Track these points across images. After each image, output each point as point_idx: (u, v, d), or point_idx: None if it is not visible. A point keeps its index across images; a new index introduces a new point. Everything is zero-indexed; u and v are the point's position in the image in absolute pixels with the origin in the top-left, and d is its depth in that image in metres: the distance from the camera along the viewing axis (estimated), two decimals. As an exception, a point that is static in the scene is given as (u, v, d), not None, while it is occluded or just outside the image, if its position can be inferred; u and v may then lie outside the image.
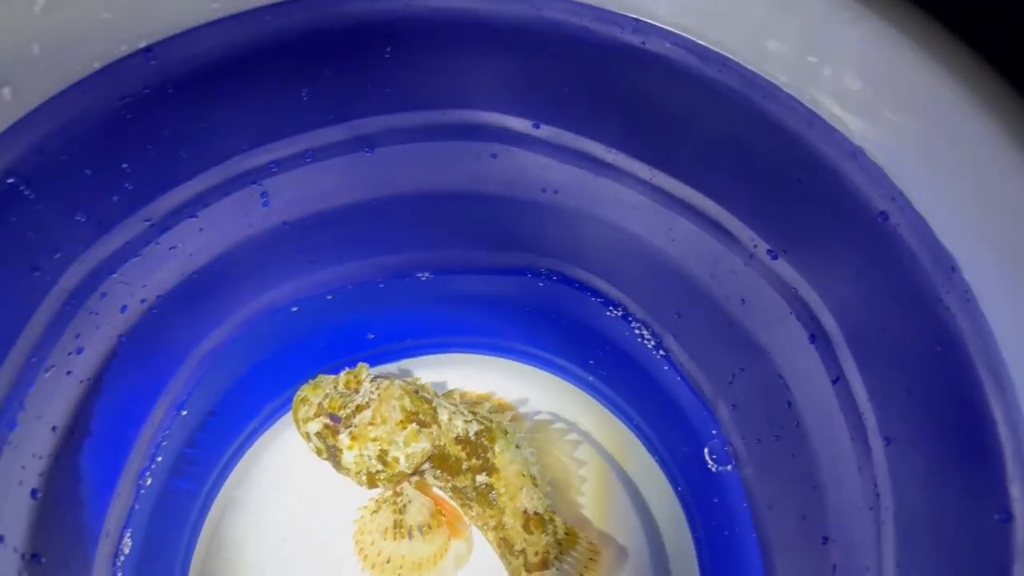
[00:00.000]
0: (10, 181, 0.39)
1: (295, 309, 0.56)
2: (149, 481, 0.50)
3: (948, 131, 0.36)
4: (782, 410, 0.47)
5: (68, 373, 0.45)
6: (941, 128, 0.36)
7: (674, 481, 0.56)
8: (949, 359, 0.36)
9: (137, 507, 0.49)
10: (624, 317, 0.56)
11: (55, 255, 0.43)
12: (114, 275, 0.46)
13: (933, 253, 0.37)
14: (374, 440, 0.53)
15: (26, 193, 0.40)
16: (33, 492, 0.43)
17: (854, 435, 0.41)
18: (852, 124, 0.38)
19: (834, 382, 0.43)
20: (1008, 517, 0.31)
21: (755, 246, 0.46)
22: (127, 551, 0.48)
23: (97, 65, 0.40)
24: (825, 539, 0.43)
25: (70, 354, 0.45)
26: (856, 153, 0.39)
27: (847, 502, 0.41)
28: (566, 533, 0.53)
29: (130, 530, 0.49)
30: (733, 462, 0.51)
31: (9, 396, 0.41)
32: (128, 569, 0.48)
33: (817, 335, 0.44)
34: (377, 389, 0.55)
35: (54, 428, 0.44)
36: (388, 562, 0.54)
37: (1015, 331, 0.34)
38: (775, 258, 0.45)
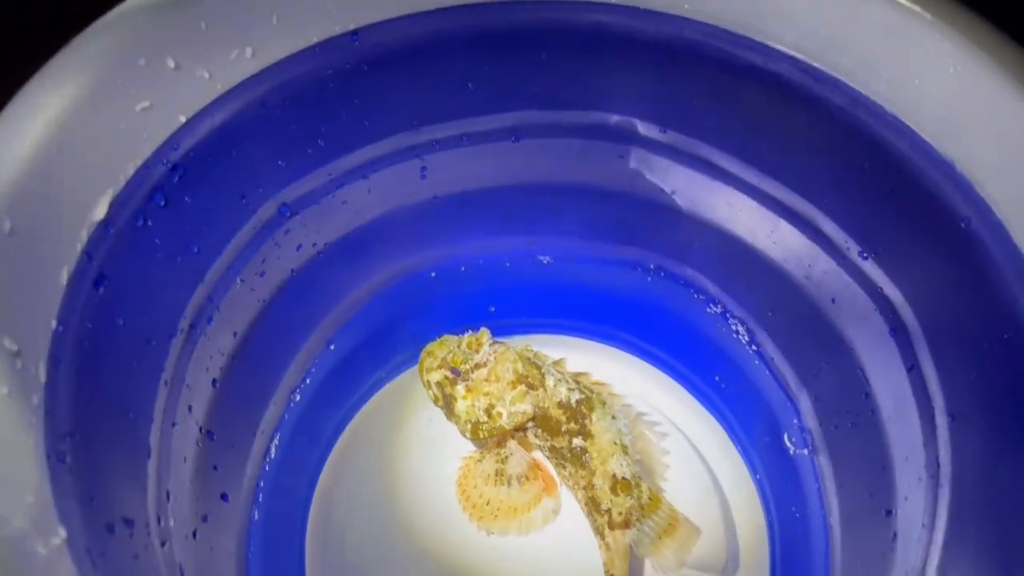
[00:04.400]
0: (236, 125, 0.49)
1: (433, 275, 0.64)
2: (298, 397, 0.59)
3: (1029, 147, 0.41)
4: (860, 399, 0.52)
5: (251, 290, 0.54)
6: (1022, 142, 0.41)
7: (752, 467, 0.61)
8: (1015, 344, 0.41)
9: (286, 417, 0.58)
10: (722, 314, 0.62)
11: (258, 189, 0.52)
12: (296, 216, 0.55)
13: (1009, 255, 0.42)
14: (485, 394, 0.60)
15: (246, 136, 0.50)
16: (213, 381, 0.52)
17: (922, 415, 0.46)
18: (944, 139, 0.44)
19: (909, 370, 0.48)
20: (1051, 473, 0.36)
21: (847, 248, 0.51)
22: (273, 453, 0.57)
23: (315, 40, 0.50)
24: (888, 512, 0.47)
25: (255, 275, 0.54)
26: (945, 165, 0.44)
27: (911, 476, 0.46)
28: (650, 499, 0.58)
29: (279, 434, 0.57)
30: (810, 447, 0.56)
31: (211, 297, 0.50)
32: (273, 467, 0.56)
33: (897, 328, 0.49)
34: (494, 352, 0.62)
35: (235, 334, 0.53)
36: (487, 504, 0.60)
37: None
38: (865, 259, 0.51)
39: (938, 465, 0.43)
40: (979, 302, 0.43)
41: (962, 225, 0.44)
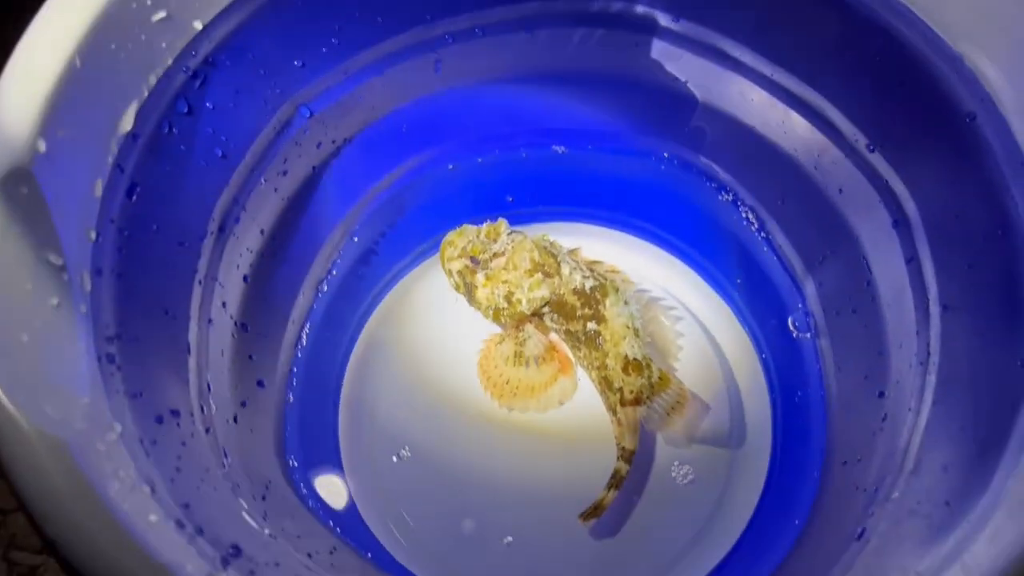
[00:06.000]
0: (251, 28, 0.50)
1: (451, 167, 0.66)
2: (325, 288, 0.62)
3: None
4: (861, 287, 0.54)
5: (275, 189, 0.56)
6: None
7: (759, 349, 0.64)
8: (1007, 240, 0.42)
9: (315, 307, 0.61)
10: (734, 202, 0.63)
11: (276, 90, 0.53)
12: (315, 115, 0.56)
13: (1008, 150, 0.43)
14: (504, 282, 0.63)
15: (262, 38, 0.51)
16: (244, 278, 0.55)
17: (918, 305, 0.48)
18: (954, 33, 0.44)
19: (908, 261, 0.49)
20: (1029, 363, 0.38)
21: (856, 140, 0.52)
22: (304, 341, 0.61)
23: (325, -62, 0.50)
24: (881, 394, 0.50)
25: (278, 174, 0.56)
26: (954, 59, 0.44)
27: (903, 361, 0.49)
28: (659, 378, 0.62)
29: (308, 323, 0.61)
30: (812, 331, 0.59)
31: (236, 198, 0.52)
32: (304, 354, 0.60)
33: (900, 220, 0.50)
34: (512, 241, 0.64)
35: (262, 231, 0.56)
36: (507, 383, 0.64)
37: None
38: (872, 151, 0.51)
39: (928, 353, 0.46)
40: (978, 199, 0.44)
41: (967, 121, 0.45)
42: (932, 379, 0.45)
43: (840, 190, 0.55)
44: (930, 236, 0.48)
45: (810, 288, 0.59)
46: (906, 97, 0.48)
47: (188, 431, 0.43)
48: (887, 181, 0.51)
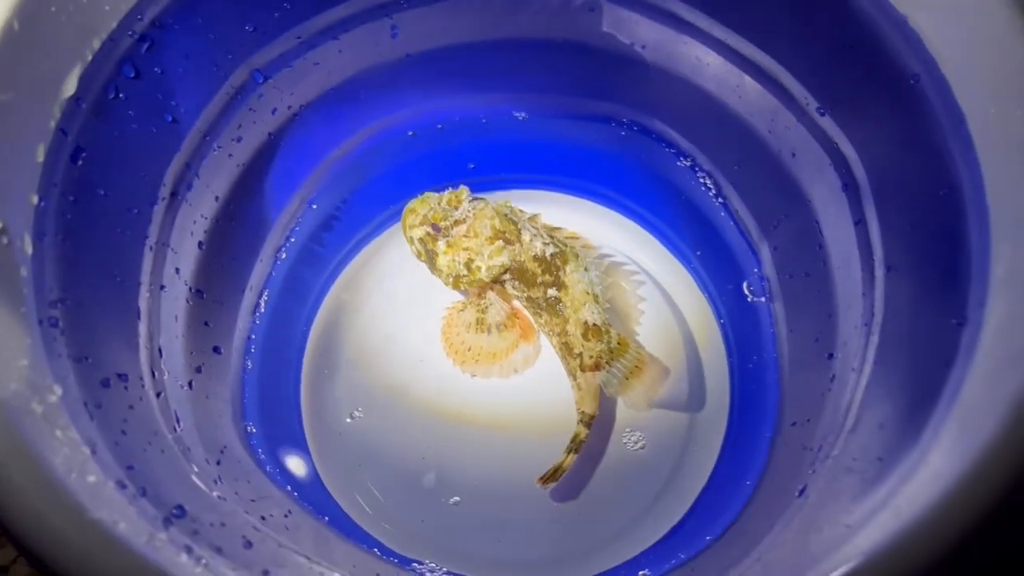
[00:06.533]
0: (201, -8, 0.49)
1: (411, 134, 0.66)
2: (284, 256, 0.62)
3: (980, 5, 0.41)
4: (814, 250, 0.54)
5: (230, 155, 0.56)
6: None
7: (718, 314, 0.64)
8: (949, 201, 0.43)
9: (274, 274, 0.61)
10: (692, 167, 0.63)
11: (228, 56, 0.53)
12: (269, 80, 0.56)
13: (949, 110, 0.43)
14: (465, 249, 0.63)
15: (211, 2, 0.50)
16: (199, 244, 0.55)
17: (864, 267, 0.49)
18: (899, -6, 0.44)
19: (856, 223, 0.50)
20: (963, 322, 0.39)
21: (807, 103, 0.52)
22: (263, 308, 0.61)
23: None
24: (830, 355, 0.51)
25: (232, 140, 0.56)
26: (900, 21, 0.45)
27: (850, 323, 0.49)
28: (618, 343, 0.62)
29: (267, 291, 0.61)
30: (767, 295, 0.59)
31: (189, 164, 0.52)
32: (263, 321, 0.60)
33: (849, 183, 0.51)
34: (473, 208, 0.64)
35: (217, 198, 0.56)
36: (469, 350, 0.65)
37: (1001, 178, 0.40)
38: (823, 115, 0.52)
39: (872, 314, 0.46)
40: (921, 160, 0.45)
41: (912, 82, 0.45)
42: (875, 339, 0.45)
43: (793, 154, 0.55)
44: (877, 198, 0.48)
45: (765, 252, 0.59)
46: (854, 60, 0.48)
47: (137, 395, 0.43)
48: (837, 144, 0.51)
